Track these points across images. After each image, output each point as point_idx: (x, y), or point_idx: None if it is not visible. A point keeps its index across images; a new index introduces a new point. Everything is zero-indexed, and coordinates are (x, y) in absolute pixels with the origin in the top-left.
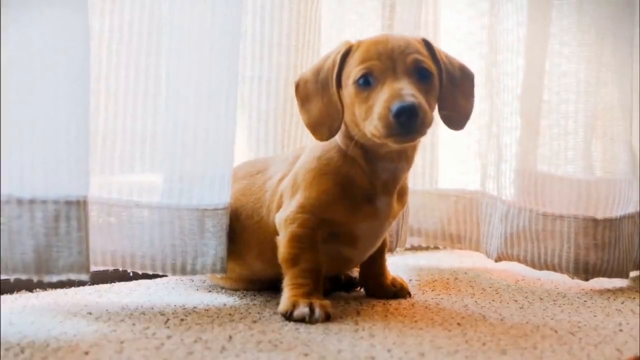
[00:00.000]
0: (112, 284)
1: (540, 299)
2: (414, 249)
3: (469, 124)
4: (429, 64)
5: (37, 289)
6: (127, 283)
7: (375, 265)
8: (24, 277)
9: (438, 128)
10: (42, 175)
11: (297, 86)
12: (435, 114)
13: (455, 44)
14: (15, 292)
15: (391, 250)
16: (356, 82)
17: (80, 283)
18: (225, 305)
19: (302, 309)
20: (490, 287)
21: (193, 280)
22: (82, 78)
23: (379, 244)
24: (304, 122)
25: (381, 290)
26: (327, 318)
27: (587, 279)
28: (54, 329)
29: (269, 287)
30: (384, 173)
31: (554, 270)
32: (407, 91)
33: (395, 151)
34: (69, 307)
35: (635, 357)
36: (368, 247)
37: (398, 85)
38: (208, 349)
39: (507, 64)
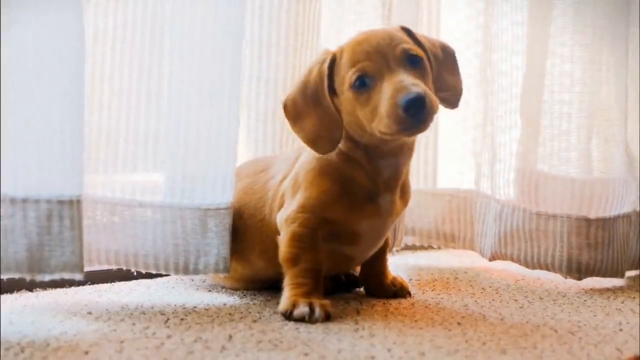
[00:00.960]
0: (112, 283)
1: (540, 298)
2: (407, 248)
3: (465, 122)
4: (416, 49)
5: (37, 289)
6: (127, 282)
7: (376, 264)
8: (16, 276)
9: (437, 128)
10: (35, 175)
11: (285, 107)
12: None
13: (454, 43)
14: (15, 291)
15: (389, 250)
16: (352, 86)
17: (80, 283)
18: (225, 305)
19: (302, 309)
20: (490, 287)
21: (193, 280)
22: (77, 78)
23: (381, 242)
24: (301, 139)
25: (381, 289)
26: (327, 318)
27: (580, 279)
28: (54, 329)
29: (269, 287)
30: (387, 170)
31: (547, 269)
32: (409, 82)
33: (398, 146)
34: (69, 306)
35: (635, 357)
36: (370, 245)
37: (397, 79)
38: (208, 349)
39: (502, 63)
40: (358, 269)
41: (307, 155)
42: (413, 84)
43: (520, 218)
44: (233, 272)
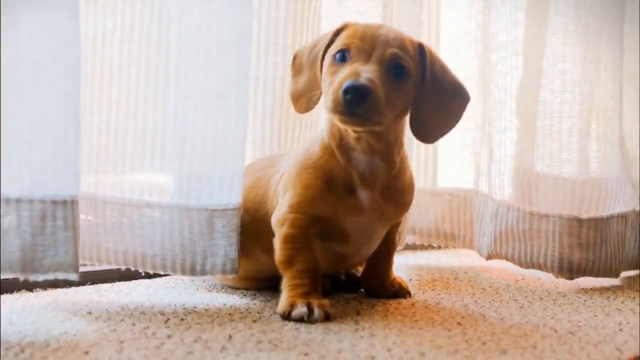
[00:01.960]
0: (112, 283)
1: (540, 298)
2: (408, 247)
3: (467, 122)
4: (408, 63)
5: (38, 289)
6: (127, 282)
7: (379, 265)
8: (10, 276)
9: None
10: (29, 175)
11: (295, 58)
12: None
13: (455, 43)
14: (15, 291)
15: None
16: (333, 56)
17: (80, 283)
18: (225, 305)
19: (301, 309)
20: (490, 287)
21: (193, 280)
22: (72, 78)
23: (375, 242)
24: (289, 92)
25: (381, 289)
26: (327, 317)
27: (571, 278)
28: (54, 329)
29: (269, 286)
30: (360, 165)
31: (539, 269)
32: (366, 74)
33: (366, 143)
34: (69, 306)
35: (635, 357)
36: (361, 243)
37: (362, 67)
38: (208, 349)
39: (501, 63)
40: (360, 268)
41: (296, 152)
42: (368, 77)
43: (514, 218)
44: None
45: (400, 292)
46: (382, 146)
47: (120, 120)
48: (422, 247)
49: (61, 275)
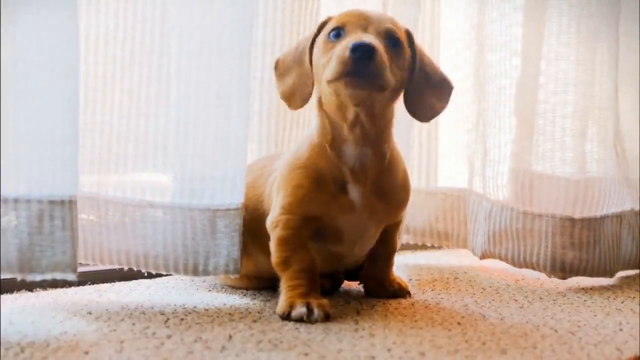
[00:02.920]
0: (112, 283)
1: (540, 298)
2: (406, 247)
3: (466, 122)
4: (402, 38)
5: (38, 289)
6: (127, 282)
7: (379, 265)
8: (7, 275)
9: (437, 127)
10: (27, 175)
11: (277, 63)
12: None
13: (454, 42)
14: (15, 291)
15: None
16: (327, 35)
17: (80, 283)
18: (225, 305)
19: (300, 309)
20: (490, 287)
21: (193, 280)
22: (70, 78)
23: (369, 241)
24: (278, 93)
25: (380, 289)
26: (327, 317)
27: (564, 278)
28: (54, 329)
29: (269, 286)
30: (351, 158)
31: (532, 268)
32: (369, 38)
33: (360, 129)
34: (69, 306)
35: (635, 357)
36: (355, 242)
37: (361, 35)
38: (208, 349)
39: (498, 64)
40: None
41: (287, 153)
42: (372, 39)
43: (508, 217)
44: None
45: (400, 292)
46: (373, 131)
47: (122, 120)
48: (422, 247)
49: (59, 275)
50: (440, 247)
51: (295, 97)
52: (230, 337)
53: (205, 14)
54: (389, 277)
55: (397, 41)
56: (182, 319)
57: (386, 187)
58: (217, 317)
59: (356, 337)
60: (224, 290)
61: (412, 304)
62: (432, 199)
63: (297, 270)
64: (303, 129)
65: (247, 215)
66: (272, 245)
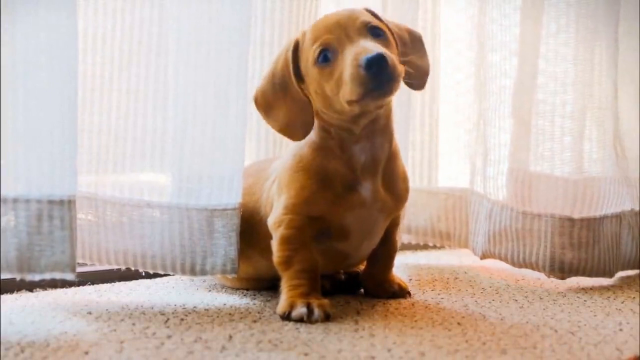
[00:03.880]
0: (112, 283)
1: (540, 298)
2: (405, 247)
3: (464, 123)
4: (378, 23)
5: (38, 289)
6: (127, 282)
7: (379, 265)
8: (6, 275)
9: (438, 127)
10: (26, 175)
11: (256, 100)
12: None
13: (455, 43)
14: (15, 291)
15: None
16: (316, 61)
17: (80, 283)
18: (225, 305)
19: (300, 309)
20: (490, 287)
21: (193, 280)
22: (70, 78)
23: (376, 237)
24: (275, 130)
25: (381, 289)
26: (327, 317)
27: (563, 278)
28: (54, 329)
29: (269, 286)
30: (362, 155)
31: (532, 268)
32: (370, 45)
33: (370, 126)
34: (69, 306)
35: (635, 357)
36: (362, 239)
37: (359, 45)
38: (208, 349)
39: (497, 64)
40: (362, 267)
41: (285, 156)
42: (374, 45)
43: (508, 217)
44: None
45: (400, 292)
46: (383, 118)
47: (120, 120)
48: (422, 247)
49: (58, 275)
50: (441, 247)
51: (295, 129)
52: (230, 337)
53: (203, 13)
54: (389, 277)
55: (378, 30)
56: (182, 319)
57: (390, 177)
58: (217, 317)
59: (356, 337)
60: (224, 290)
61: (412, 304)
62: (434, 198)
63: (298, 270)
64: None
65: (244, 220)
66: (274, 245)
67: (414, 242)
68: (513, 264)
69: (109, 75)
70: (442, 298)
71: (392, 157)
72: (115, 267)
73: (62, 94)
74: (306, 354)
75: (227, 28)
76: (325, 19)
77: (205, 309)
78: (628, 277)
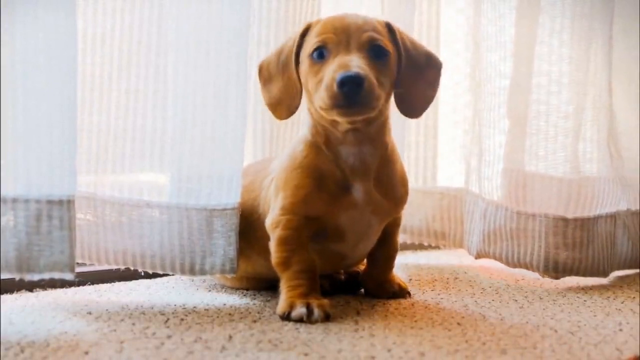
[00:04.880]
0: (112, 283)
1: (540, 298)
2: (403, 247)
3: (461, 124)
4: (385, 43)
5: (38, 289)
6: (127, 282)
7: (379, 266)
8: (5, 275)
9: (436, 127)
10: (25, 175)
11: (261, 69)
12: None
13: (454, 44)
14: (15, 291)
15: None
16: (310, 55)
17: (80, 283)
18: (225, 305)
19: (300, 310)
20: (490, 287)
21: (193, 280)
22: (69, 78)
23: (371, 238)
24: (265, 102)
25: (381, 289)
26: (327, 318)
27: (557, 278)
28: (54, 329)
29: (269, 286)
30: (350, 157)
31: (526, 268)
32: (355, 63)
33: (357, 133)
34: (69, 306)
35: (635, 357)
36: (357, 241)
37: (347, 58)
38: (208, 349)
39: (493, 65)
40: (362, 267)
41: (282, 155)
42: (357, 65)
43: (502, 217)
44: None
45: (400, 292)
46: (373, 131)
47: (119, 120)
48: (422, 247)
49: (57, 275)
50: (436, 247)
51: (282, 108)
52: (230, 337)
53: (203, 13)
54: (390, 277)
55: (381, 50)
56: (182, 319)
57: (387, 182)
58: (217, 317)
59: (356, 337)
60: (224, 290)
61: (412, 304)
62: (430, 198)
63: (297, 271)
64: (299, 128)
65: (243, 219)
66: (272, 246)
67: (409, 241)
68: (507, 263)
69: (109, 75)
70: (441, 298)
71: (387, 163)
72: (114, 267)
73: (62, 93)
74: (306, 354)
75: (226, 28)
76: (339, 18)
77: (205, 309)
78: (627, 276)
